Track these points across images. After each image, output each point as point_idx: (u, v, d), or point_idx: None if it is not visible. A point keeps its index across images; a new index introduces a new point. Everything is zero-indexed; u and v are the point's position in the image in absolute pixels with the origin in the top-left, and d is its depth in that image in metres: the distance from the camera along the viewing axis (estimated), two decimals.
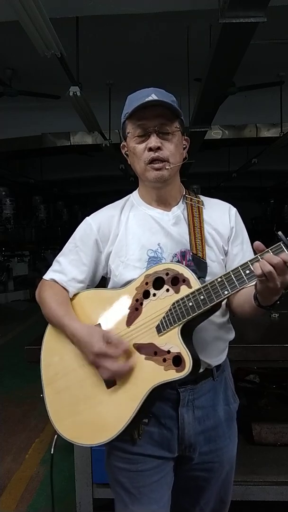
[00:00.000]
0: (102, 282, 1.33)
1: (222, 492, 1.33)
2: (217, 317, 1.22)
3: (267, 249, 1.00)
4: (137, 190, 1.34)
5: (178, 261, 1.19)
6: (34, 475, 2.61)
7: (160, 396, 1.15)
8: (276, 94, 5.51)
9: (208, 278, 1.15)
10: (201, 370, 1.18)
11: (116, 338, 1.13)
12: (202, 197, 1.32)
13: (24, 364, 1.78)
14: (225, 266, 1.26)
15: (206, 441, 1.25)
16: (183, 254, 1.21)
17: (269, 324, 2.23)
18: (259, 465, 2.11)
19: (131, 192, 1.36)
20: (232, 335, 1.30)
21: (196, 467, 1.27)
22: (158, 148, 1.17)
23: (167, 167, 1.18)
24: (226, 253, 1.27)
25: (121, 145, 1.29)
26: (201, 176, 10.46)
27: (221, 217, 1.28)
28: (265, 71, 5.09)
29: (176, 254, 1.21)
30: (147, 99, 1.15)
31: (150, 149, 1.17)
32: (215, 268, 1.21)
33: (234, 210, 1.31)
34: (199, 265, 1.18)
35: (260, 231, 13.20)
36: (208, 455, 1.26)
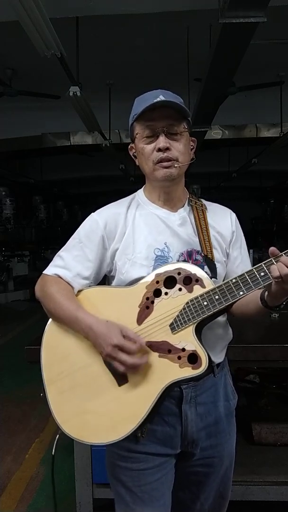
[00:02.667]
0: (102, 281, 1.32)
1: (222, 488, 1.35)
2: (221, 317, 1.25)
3: (281, 253, 1.04)
4: (142, 189, 1.35)
5: (184, 260, 1.21)
6: (34, 475, 2.61)
7: (167, 395, 1.15)
8: (276, 94, 5.51)
9: (216, 280, 1.19)
10: None
11: (133, 333, 1.13)
12: (204, 201, 1.35)
13: (24, 364, 1.78)
14: (226, 267, 1.30)
15: (207, 436, 1.26)
16: (189, 254, 1.23)
17: (269, 324, 2.23)
18: (259, 465, 2.11)
19: (131, 192, 1.37)
20: (231, 335, 1.34)
21: (197, 462, 1.28)
22: (167, 149, 1.18)
23: (175, 165, 1.20)
24: (227, 255, 1.30)
25: (129, 146, 1.30)
26: (201, 176, 10.44)
27: (223, 221, 1.31)
28: (265, 71, 5.09)
29: (182, 254, 1.23)
30: (155, 100, 1.17)
31: (159, 150, 1.19)
32: (219, 268, 1.24)
33: (234, 215, 1.35)
34: (210, 266, 1.21)
35: (260, 231, 13.20)
36: (209, 450, 1.28)
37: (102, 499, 2.06)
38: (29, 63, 4.58)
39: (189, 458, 1.28)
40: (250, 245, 1.37)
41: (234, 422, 1.36)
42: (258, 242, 10.36)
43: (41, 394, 1.25)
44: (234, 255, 1.31)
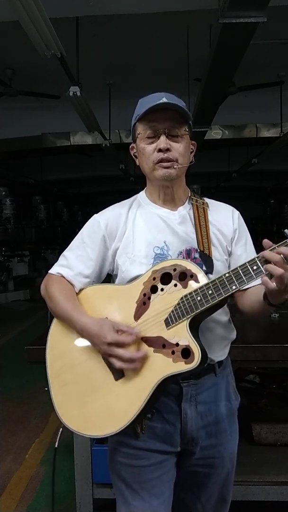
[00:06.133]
0: (107, 279, 1.35)
1: (224, 491, 1.35)
2: (221, 316, 1.25)
3: (274, 246, 1.03)
4: (144, 190, 1.37)
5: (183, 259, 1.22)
6: (34, 475, 2.61)
7: (163, 391, 1.16)
8: (276, 94, 5.52)
9: (213, 276, 1.18)
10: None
11: (126, 326, 1.15)
12: (207, 199, 1.36)
13: (24, 364, 1.78)
14: (229, 267, 1.30)
15: (207, 435, 1.27)
16: (188, 252, 1.24)
17: (269, 324, 2.23)
18: (259, 465, 2.11)
19: (131, 192, 1.40)
20: (234, 335, 1.34)
21: (198, 462, 1.28)
22: (167, 150, 1.20)
23: (175, 166, 1.22)
24: (229, 254, 1.31)
25: (130, 146, 1.33)
26: (201, 176, 10.45)
27: (225, 219, 1.32)
28: (265, 71, 5.10)
29: (181, 252, 1.24)
30: (158, 102, 1.19)
31: (160, 150, 1.21)
32: (219, 266, 1.24)
33: (237, 212, 1.35)
34: (206, 262, 1.21)
35: (260, 231, 13.21)
36: (209, 450, 1.28)
37: (102, 499, 2.06)
38: (29, 63, 4.59)
39: (189, 456, 1.28)
40: None
41: (237, 423, 1.35)
42: (258, 242, 10.35)
43: (46, 388, 1.27)
44: (238, 253, 1.31)
